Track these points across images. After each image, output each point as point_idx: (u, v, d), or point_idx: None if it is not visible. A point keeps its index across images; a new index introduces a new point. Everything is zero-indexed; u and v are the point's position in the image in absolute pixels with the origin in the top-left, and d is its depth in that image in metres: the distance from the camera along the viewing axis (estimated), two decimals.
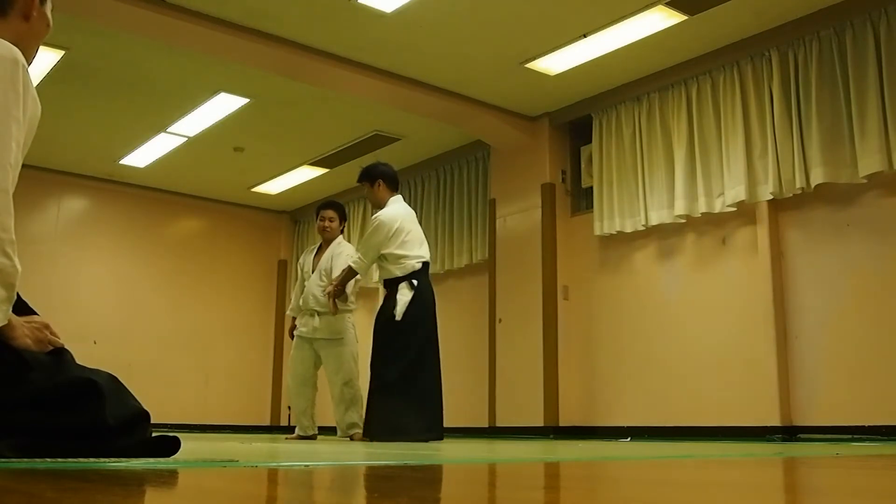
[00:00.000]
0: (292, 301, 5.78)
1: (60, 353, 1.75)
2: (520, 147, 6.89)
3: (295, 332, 5.56)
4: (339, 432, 5.43)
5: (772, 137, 5.21)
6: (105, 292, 8.59)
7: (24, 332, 1.70)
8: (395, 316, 4.84)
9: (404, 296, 4.88)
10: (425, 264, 5.04)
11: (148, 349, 8.54)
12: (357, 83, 6.10)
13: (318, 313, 5.36)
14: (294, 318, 5.64)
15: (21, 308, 1.77)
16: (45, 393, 1.63)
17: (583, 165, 6.71)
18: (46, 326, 1.76)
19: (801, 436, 5.00)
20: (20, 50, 1.73)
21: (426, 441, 4.54)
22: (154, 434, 1.77)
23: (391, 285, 4.99)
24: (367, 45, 5.67)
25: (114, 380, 1.77)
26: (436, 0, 5.05)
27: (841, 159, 4.89)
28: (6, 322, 1.65)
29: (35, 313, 1.82)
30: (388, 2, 5.04)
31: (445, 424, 4.96)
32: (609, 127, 6.33)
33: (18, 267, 1.65)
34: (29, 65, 1.80)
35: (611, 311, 6.27)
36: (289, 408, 6.34)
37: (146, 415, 1.77)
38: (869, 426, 4.67)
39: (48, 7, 1.91)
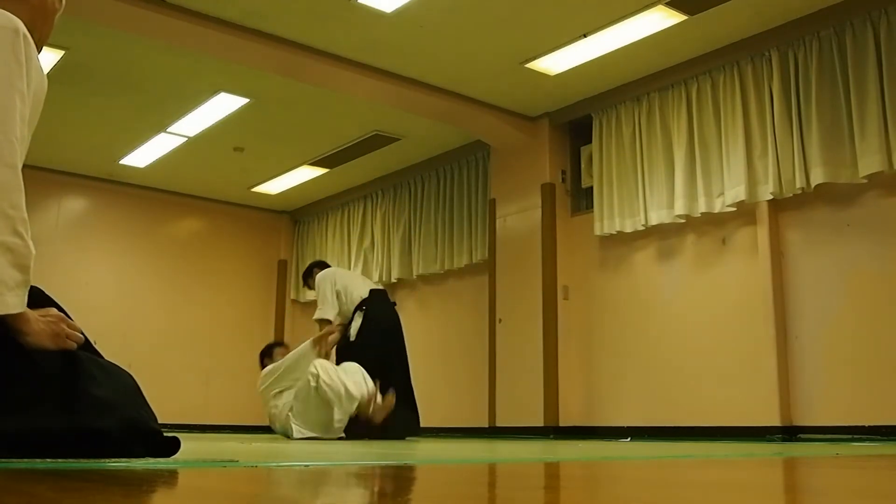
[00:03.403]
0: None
1: (77, 365, 1.59)
2: (520, 147, 6.89)
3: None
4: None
5: (772, 137, 5.21)
6: (105, 292, 8.58)
7: (39, 328, 1.55)
8: (349, 337, 5.74)
9: (356, 321, 5.77)
10: (374, 292, 5.89)
11: (148, 349, 8.53)
12: (357, 83, 6.09)
13: None
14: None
15: (36, 298, 1.61)
16: (48, 435, 1.50)
17: (583, 165, 6.71)
18: (63, 319, 1.62)
19: (801, 436, 5.00)
20: (34, 28, 1.66)
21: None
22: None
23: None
24: (367, 45, 5.67)
25: (132, 392, 1.67)
26: (436, 0, 5.05)
27: (841, 159, 4.89)
28: (23, 310, 1.50)
29: (54, 303, 1.69)
30: (388, 2, 5.04)
31: (444, 424, 5.00)
32: (609, 127, 6.33)
33: (32, 248, 1.50)
34: (44, 42, 1.72)
35: (611, 311, 6.26)
36: None
37: (155, 434, 1.66)
38: (869, 426, 4.67)
39: None
